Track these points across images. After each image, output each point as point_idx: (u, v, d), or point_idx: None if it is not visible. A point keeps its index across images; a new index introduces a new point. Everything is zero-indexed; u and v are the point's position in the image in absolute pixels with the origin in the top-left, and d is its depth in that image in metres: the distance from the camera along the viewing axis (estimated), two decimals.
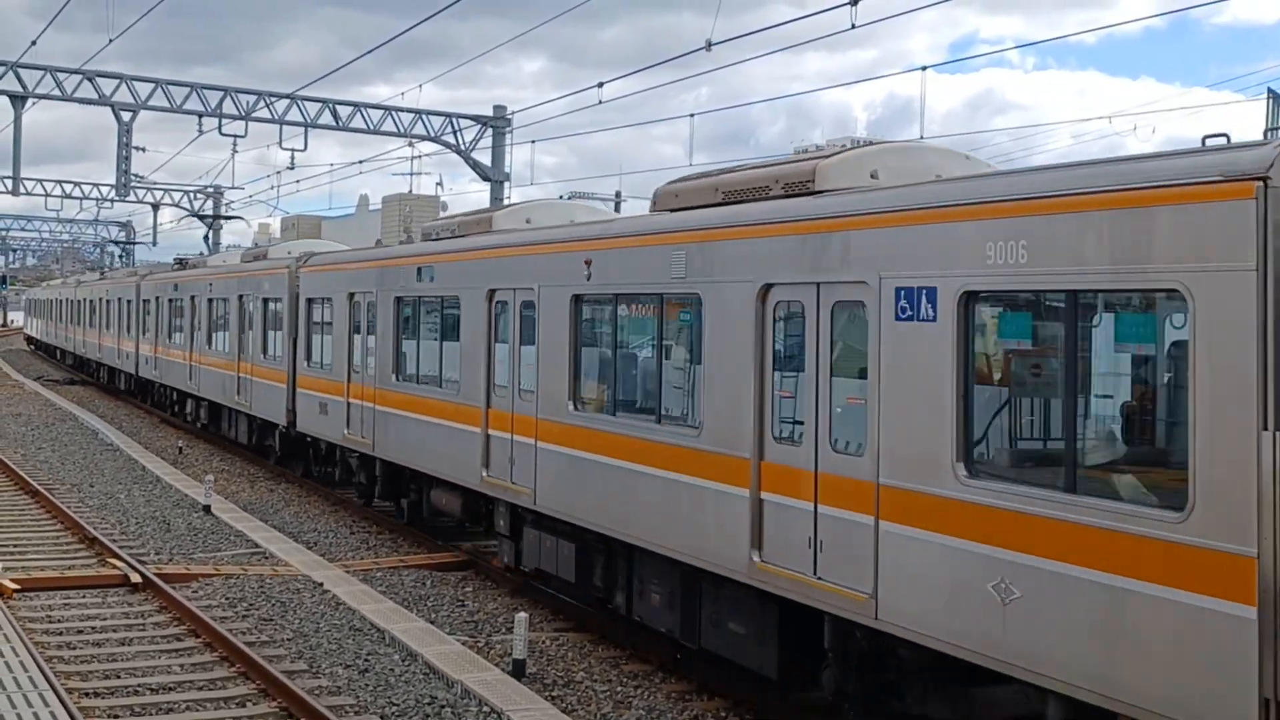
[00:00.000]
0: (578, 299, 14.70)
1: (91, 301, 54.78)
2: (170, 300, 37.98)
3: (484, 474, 16.77)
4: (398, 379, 20.21)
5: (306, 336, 25.11)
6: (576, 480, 14.54)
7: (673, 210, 13.69)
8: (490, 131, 40.28)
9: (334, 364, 23.14)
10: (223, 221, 50.66)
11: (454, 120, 40.50)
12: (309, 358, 24.97)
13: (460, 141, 40.28)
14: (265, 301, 28.06)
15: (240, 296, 30.05)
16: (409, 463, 19.94)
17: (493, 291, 16.77)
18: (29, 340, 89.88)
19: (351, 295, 22.22)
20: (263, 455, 29.77)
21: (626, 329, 14.56)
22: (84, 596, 15.91)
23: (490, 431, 16.68)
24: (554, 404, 15.06)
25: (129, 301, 44.80)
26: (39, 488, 23.48)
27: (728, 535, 11.83)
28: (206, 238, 43.44)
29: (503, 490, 16.34)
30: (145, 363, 41.77)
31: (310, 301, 24.99)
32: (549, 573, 15.71)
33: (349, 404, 22.01)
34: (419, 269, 19.34)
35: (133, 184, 43.26)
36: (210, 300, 33.20)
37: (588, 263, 14.23)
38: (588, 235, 14.77)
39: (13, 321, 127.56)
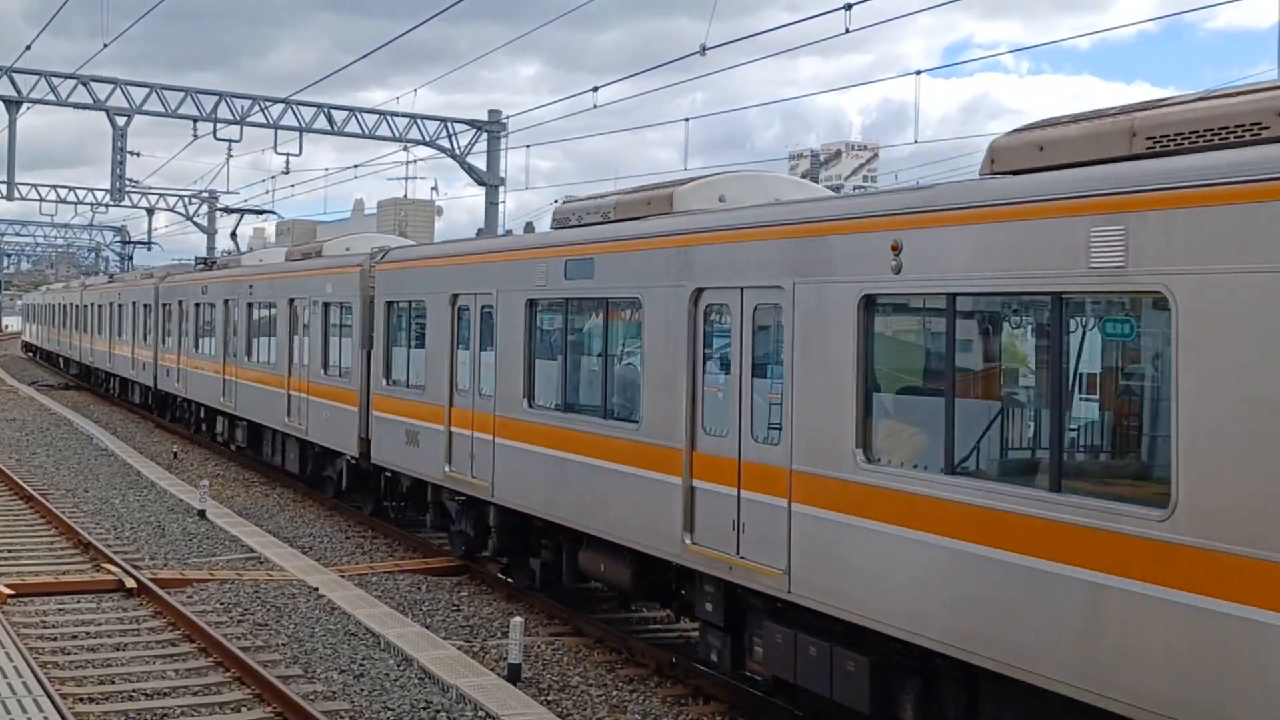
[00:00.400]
0: (871, 301, 9.78)
1: (100, 306, 47.81)
2: (197, 305, 32.18)
3: (686, 540, 11.75)
4: (531, 405, 14.95)
5: (386, 348, 19.69)
6: (873, 566, 9.56)
7: (1031, 170, 8.74)
8: (485, 136, 40.03)
9: (430, 384, 17.71)
10: (250, 217, 46.66)
11: (449, 125, 39.32)
12: (389, 374, 19.58)
13: (455, 146, 39.31)
14: (326, 306, 22.55)
15: (291, 300, 24.42)
16: (547, 513, 14.65)
17: (699, 292, 11.77)
18: (27, 347, 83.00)
19: (456, 298, 16.96)
20: (317, 487, 23.92)
21: (981, 347, 9.50)
22: (79, 602, 15.21)
23: (697, 483, 11.72)
24: (826, 453, 10.08)
25: (146, 306, 38.66)
26: (33, 493, 22.43)
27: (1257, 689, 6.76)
28: (234, 235, 41.46)
29: (721, 565, 11.32)
30: (166, 375, 35.56)
31: (391, 305, 19.63)
32: (811, 689, 10.55)
33: (452, 434, 16.82)
34: (567, 263, 14.20)
35: (128, 189, 42.37)
36: (250, 305, 27.48)
37: (895, 248, 9.43)
38: (894, 208, 9.64)
39: (7, 326, 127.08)
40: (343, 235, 28.13)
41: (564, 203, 15.73)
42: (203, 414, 32.45)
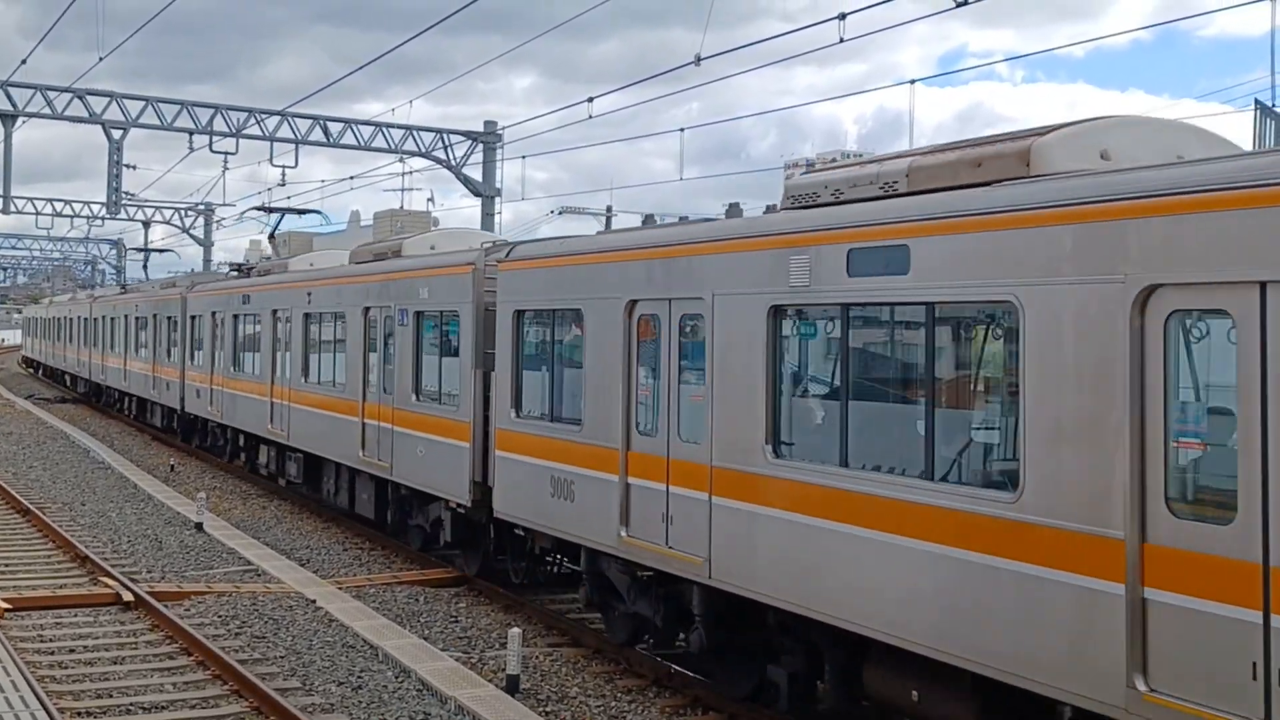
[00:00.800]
0: None
1: (113, 319, 43.40)
2: (237, 316, 28.09)
3: (1136, 682, 7.66)
4: (778, 455, 10.88)
5: (515, 370, 15.56)
6: None
7: None
8: (481, 147, 40.20)
9: (590, 417, 13.66)
10: (280, 219, 43.29)
11: (445, 136, 39.49)
12: (519, 404, 15.44)
13: (451, 157, 39.52)
14: (419, 315, 18.63)
15: (366, 309, 20.41)
16: (811, 608, 10.42)
17: (1152, 291, 7.69)
18: (27, 362, 79.71)
19: (634, 305, 13.03)
20: (398, 537, 20.06)
21: None
22: (76, 615, 15.13)
23: (1153, 594, 7.64)
24: None
25: (169, 319, 34.69)
26: (30, 506, 22.31)
27: None
28: (272, 237, 40.15)
29: None
30: (196, 396, 31.47)
31: (521, 316, 15.50)
32: None
33: (629, 486, 12.93)
34: (852, 252, 10.08)
35: (124, 202, 42.65)
36: (308, 315, 23.40)
37: None
38: None
39: (3, 340, 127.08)
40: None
41: (801, 173, 12.16)
42: (242, 442, 28.47)
